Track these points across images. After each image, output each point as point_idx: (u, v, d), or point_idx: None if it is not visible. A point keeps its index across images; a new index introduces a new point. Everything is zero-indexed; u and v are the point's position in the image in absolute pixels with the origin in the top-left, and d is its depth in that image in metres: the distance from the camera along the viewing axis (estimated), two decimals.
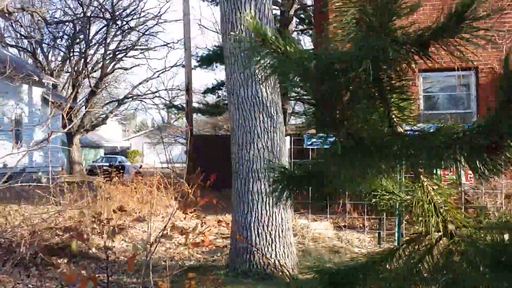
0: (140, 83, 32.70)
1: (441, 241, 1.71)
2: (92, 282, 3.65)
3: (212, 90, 22.48)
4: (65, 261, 6.79)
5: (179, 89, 34.68)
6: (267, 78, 1.91)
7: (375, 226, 9.44)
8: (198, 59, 20.77)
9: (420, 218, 1.81)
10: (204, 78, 72.07)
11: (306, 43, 25.96)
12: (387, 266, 1.92)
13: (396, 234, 7.49)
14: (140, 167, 30.17)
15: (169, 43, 37.93)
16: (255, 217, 6.02)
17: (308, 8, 21.88)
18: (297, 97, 1.65)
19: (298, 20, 24.23)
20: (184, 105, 25.53)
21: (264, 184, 6.04)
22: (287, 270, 6.01)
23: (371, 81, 1.63)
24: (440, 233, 1.69)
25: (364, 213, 9.07)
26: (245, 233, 6.05)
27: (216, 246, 8.38)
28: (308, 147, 8.21)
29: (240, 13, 6.19)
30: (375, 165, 1.57)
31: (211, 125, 39.51)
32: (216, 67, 21.28)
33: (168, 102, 36.55)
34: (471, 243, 1.60)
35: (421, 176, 1.69)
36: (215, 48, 21.00)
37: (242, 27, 6.20)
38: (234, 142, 6.27)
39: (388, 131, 1.64)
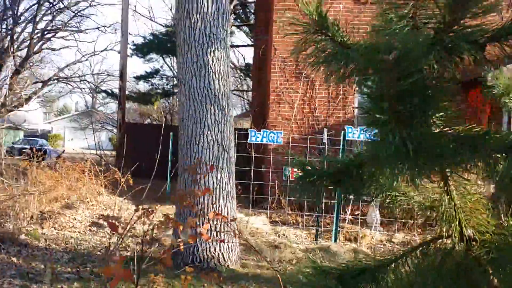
0: (68, 65, 31.35)
1: (457, 247, 1.76)
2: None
3: (145, 77, 21.98)
4: None
5: (108, 74, 33.57)
6: (317, 66, 1.87)
7: (308, 222, 9.65)
8: (133, 46, 20.21)
9: (438, 221, 1.85)
10: (135, 65, 70.28)
11: (242, 38, 26.00)
12: (400, 269, 1.94)
13: (333, 232, 7.69)
14: (63, 152, 28.98)
15: (100, 27, 36.58)
16: (201, 210, 5.96)
17: (248, 4, 21.92)
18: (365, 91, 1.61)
19: (234, 16, 24.24)
20: (114, 91, 24.78)
21: (212, 177, 5.99)
22: (231, 264, 6.01)
23: (444, 78, 1.61)
24: (456, 238, 1.73)
25: (304, 209, 9.24)
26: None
27: (152, 237, 8.21)
28: (252, 141, 8.24)
29: (197, 1, 6.09)
30: (434, 166, 1.58)
31: (139, 113, 38.67)
32: (151, 58, 20.85)
33: (95, 86, 35.32)
34: (489, 248, 1.66)
35: (448, 178, 1.72)
36: (151, 38, 20.54)
37: (198, 15, 6.10)
38: (183, 133, 6.17)
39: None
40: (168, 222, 4.45)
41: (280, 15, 12.05)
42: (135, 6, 74.51)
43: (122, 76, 16.10)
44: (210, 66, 6.07)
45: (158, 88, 22.64)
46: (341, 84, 1.96)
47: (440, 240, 1.87)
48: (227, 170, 6.11)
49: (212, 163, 5.99)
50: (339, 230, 7.72)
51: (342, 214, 8.74)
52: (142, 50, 19.50)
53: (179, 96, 6.30)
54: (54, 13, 29.48)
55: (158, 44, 19.45)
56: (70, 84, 35.50)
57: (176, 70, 6.48)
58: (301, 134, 11.75)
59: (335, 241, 7.64)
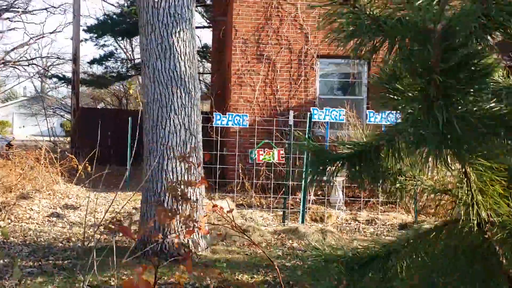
0: (15, 48, 30.00)
1: (474, 230, 1.69)
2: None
3: (99, 61, 21.28)
4: None
5: (59, 57, 32.38)
6: (346, 40, 1.73)
7: (272, 204, 9.62)
8: (86, 28, 19.47)
9: (454, 204, 1.77)
10: (87, 48, 68.06)
11: (198, 19, 25.55)
12: (411, 255, 1.86)
13: (301, 213, 7.68)
14: (13, 139, 27.89)
15: (49, 8, 35.14)
16: (168, 197, 5.78)
17: None
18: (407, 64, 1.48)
19: None
20: (66, 75, 23.93)
21: (180, 163, 5.81)
22: (201, 251, 5.88)
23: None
24: (474, 221, 1.67)
25: (267, 191, 9.18)
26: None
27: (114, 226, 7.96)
28: (217, 125, 8.08)
29: None
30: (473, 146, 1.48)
31: (92, 97, 37.61)
32: (105, 42, 20.18)
33: (45, 71, 34.07)
34: (509, 231, 1.60)
35: (466, 162, 1.64)
36: (104, 18, 19.84)
37: None
38: (148, 117, 5.94)
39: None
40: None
41: None
42: None
43: (76, 59, 15.51)
44: (176, 48, 5.86)
45: (113, 72, 21.99)
46: (366, 59, 1.84)
47: (454, 225, 1.80)
48: (195, 155, 5.94)
49: (180, 148, 5.81)
50: (305, 211, 7.71)
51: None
52: (96, 31, 18.81)
53: (143, 79, 6.06)
54: None
55: (112, 26, 18.81)
56: (17, 68, 34.05)
57: (140, 53, 6.22)
58: (263, 116, 11.66)
59: (302, 222, 7.63)
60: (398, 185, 2.02)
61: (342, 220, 8.40)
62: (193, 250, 5.81)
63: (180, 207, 5.83)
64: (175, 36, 5.85)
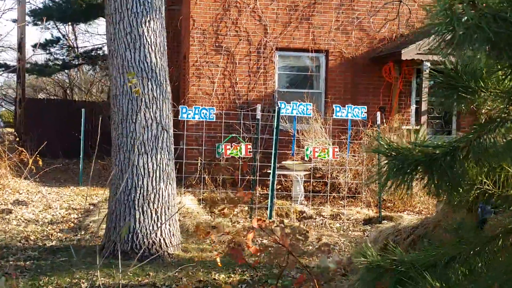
0: None
1: None
2: None
3: (44, 46, 20.32)
4: None
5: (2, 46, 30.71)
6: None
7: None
8: (28, 12, 18.49)
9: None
10: (30, 34, 64.79)
11: None
12: (472, 263, 1.78)
13: (269, 209, 7.59)
14: None
15: None
16: (140, 194, 5.54)
17: None
18: None
19: None
20: (6, 63, 22.71)
21: (151, 158, 5.57)
22: (173, 249, 5.68)
23: None
24: None
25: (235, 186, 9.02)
26: (128, 211, 5.54)
27: (73, 223, 7.60)
28: (183, 118, 7.84)
29: None
30: None
31: (31, 87, 36.01)
32: (51, 26, 19.26)
33: None
34: None
35: None
36: (50, 1, 18.92)
37: None
38: (117, 110, 5.65)
39: None
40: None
41: None
42: None
43: (21, 47, 14.70)
44: (146, 38, 5.59)
45: (57, 60, 21.07)
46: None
47: None
48: (167, 150, 5.72)
49: (151, 143, 5.57)
50: (273, 207, 7.64)
51: (256, 190, 8.67)
52: (40, 16, 17.89)
53: (111, 70, 5.75)
54: None
55: (57, 11, 17.97)
56: None
57: (106, 42, 5.91)
58: (223, 109, 11.46)
59: (270, 218, 7.55)
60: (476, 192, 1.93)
61: (306, 215, 8.38)
62: (164, 249, 5.60)
63: (149, 204, 5.61)
64: (145, 25, 5.59)
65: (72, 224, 7.46)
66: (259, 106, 7.83)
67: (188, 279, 5.00)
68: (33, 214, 8.09)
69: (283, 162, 9.90)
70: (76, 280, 4.89)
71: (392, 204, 9.63)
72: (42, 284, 4.80)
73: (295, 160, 10.24)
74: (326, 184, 9.99)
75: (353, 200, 9.80)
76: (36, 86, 34.19)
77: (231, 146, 7.61)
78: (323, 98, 12.17)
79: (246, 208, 8.33)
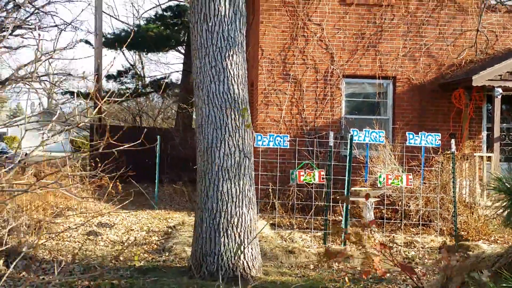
0: (27, 64, 30.14)
1: None
2: None
3: (115, 78, 21.45)
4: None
5: (70, 74, 32.52)
6: None
7: (302, 224, 9.65)
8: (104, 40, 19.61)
9: None
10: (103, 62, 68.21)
11: None
12: None
13: (343, 236, 7.68)
14: (26, 155, 27.96)
15: (60, 25, 35.37)
16: (224, 218, 5.82)
17: None
18: None
19: None
20: (79, 90, 24.06)
21: (234, 184, 5.86)
22: (255, 272, 5.90)
23: None
24: None
25: (308, 212, 9.18)
26: (213, 234, 5.83)
27: (156, 245, 7.98)
28: (258, 145, 8.12)
29: (214, 4, 5.94)
30: None
31: (108, 114, 37.74)
32: (122, 51, 20.36)
33: (55, 86, 34.26)
34: None
35: None
36: (122, 32, 20.05)
37: (215, 18, 5.95)
38: (202, 139, 6.00)
39: None
40: None
41: (267, 15, 11.99)
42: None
43: (98, 76, 15.63)
44: (229, 70, 5.94)
45: (128, 88, 22.13)
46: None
47: None
48: (249, 177, 6.00)
49: (234, 169, 5.87)
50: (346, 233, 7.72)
51: (329, 216, 8.77)
52: (113, 45, 18.98)
53: (196, 101, 6.13)
54: (10, 10, 28.29)
55: (127, 39, 19.04)
56: (28, 84, 34.20)
57: (192, 75, 6.31)
58: (290, 136, 11.70)
59: (344, 244, 7.64)
60: None
61: (378, 242, 8.38)
62: (247, 271, 5.83)
63: (233, 228, 5.87)
64: (228, 59, 5.94)
65: (155, 246, 7.84)
66: (331, 134, 8.02)
67: None
68: (116, 236, 8.56)
69: (352, 188, 9.98)
70: None
71: (466, 233, 9.47)
72: None
73: (364, 187, 10.29)
74: (396, 211, 9.97)
75: (424, 228, 9.71)
76: (108, 113, 35.81)
77: (305, 173, 7.81)
78: (390, 125, 12.19)
79: (319, 234, 8.45)
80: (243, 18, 6.16)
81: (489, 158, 10.92)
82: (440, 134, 8.83)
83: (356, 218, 10.30)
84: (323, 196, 9.32)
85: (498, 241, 9.07)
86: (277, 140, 7.87)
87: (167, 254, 7.17)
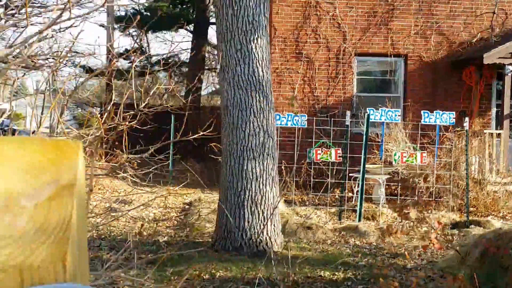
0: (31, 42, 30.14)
1: None
2: None
3: (125, 56, 21.50)
4: None
5: (80, 53, 32.53)
6: None
7: (314, 201, 9.91)
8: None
9: None
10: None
11: None
12: None
13: (358, 211, 7.96)
14: (33, 132, 28.22)
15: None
16: (248, 195, 6.08)
17: None
18: None
19: None
20: (90, 67, 24.17)
21: (259, 163, 6.10)
22: (277, 247, 6.18)
23: None
24: None
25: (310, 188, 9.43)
26: (238, 211, 6.10)
27: (176, 221, 8.28)
28: (277, 125, 8.33)
29: None
30: None
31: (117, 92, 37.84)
32: (133, 32, 20.44)
33: (61, 63, 34.36)
34: None
35: None
36: (131, 11, 20.12)
37: (241, 3, 6.10)
38: (227, 120, 6.22)
39: None
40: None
41: None
42: None
43: (110, 55, 15.75)
44: (254, 53, 6.13)
45: (137, 66, 22.23)
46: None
47: None
48: (272, 156, 6.24)
49: (259, 149, 6.10)
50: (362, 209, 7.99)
51: (345, 193, 9.02)
52: (122, 22, 19.07)
53: (222, 83, 6.33)
54: None
55: (140, 20, 19.10)
56: (33, 61, 34.25)
57: (217, 58, 6.49)
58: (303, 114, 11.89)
59: (359, 220, 7.91)
60: None
61: (392, 218, 8.67)
62: (270, 246, 6.11)
63: (257, 205, 6.13)
64: (253, 42, 6.12)
65: (175, 222, 8.14)
66: (348, 113, 8.21)
67: (296, 275, 5.47)
68: (136, 212, 8.85)
69: (366, 165, 10.21)
70: (197, 272, 5.48)
71: (475, 209, 9.72)
72: (169, 275, 5.42)
73: (375, 164, 10.53)
74: (407, 188, 10.22)
75: (435, 204, 9.96)
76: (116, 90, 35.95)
77: (322, 151, 8.04)
78: (401, 102, 12.35)
79: (333, 210, 8.73)
80: (267, 2, 6.31)
81: (498, 135, 11.12)
82: (454, 112, 9.01)
83: (367, 195, 10.57)
84: (334, 173, 9.56)
85: (507, 217, 9.33)
86: (295, 119, 8.08)
87: (188, 230, 7.46)
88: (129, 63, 22.88)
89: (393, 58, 12.22)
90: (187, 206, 9.43)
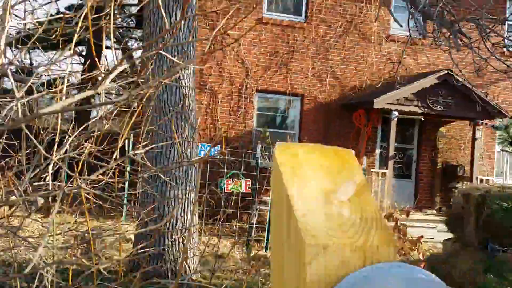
0: None
1: None
2: None
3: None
4: None
5: None
6: None
7: (213, 231, 10.01)
8: None
9: None
10: None
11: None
12: None
13: (266, 241, 8.21)
14: None
15: None
16: (169, 223, 6.05)
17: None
18: None
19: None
20: None
21: (181, 190, 6.13)
22: (194, 275, 6.19)
23: None
24: None
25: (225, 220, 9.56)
26: (158, 238, 6.03)
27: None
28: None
29: (170, 19, 6.20)
30: None
31: None
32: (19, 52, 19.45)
33: None
34: None
35: None
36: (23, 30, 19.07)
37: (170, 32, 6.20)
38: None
39: None
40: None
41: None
42: None
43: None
44: (181, 82, 6.22)
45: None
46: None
47: None
48: (194, 184, 6.30)
49: (182, 177, 6.14)
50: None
51: (240, 223, 9.28)
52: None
53: (147, 109, 6.31)
54: None
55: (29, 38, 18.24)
56: None
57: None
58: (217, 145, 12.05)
59: (266, 250, 8.16)
60: None
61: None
62: (188, 274, 6.10)
63: (177, 232, 6.12)
64: (181, 71, 6.21)
65: (78, 250, 7.75)
66: (258, 146, 8.53)
67: None
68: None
69: (263, 197, 10.58)
70: None
71: None
72: None
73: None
74: None
75: None
76: None
77: (232, 182, 8.24)
78: (297, 139, 13.03)
79: (238, 240, 8.90)
80: (196, 33, 6.47)
81: (383, 174, 12.15)
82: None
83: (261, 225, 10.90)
84: (232, 203, 9.79)
85: None
86: (209, 149, 8.22)
87: (97, 258, 7.17)
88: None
89: (291, 96, 12.93)
90: (86, 234, 9.02)
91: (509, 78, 9.98)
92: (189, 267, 6.15)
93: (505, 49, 12.21)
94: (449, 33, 6.17)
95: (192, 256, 6.24)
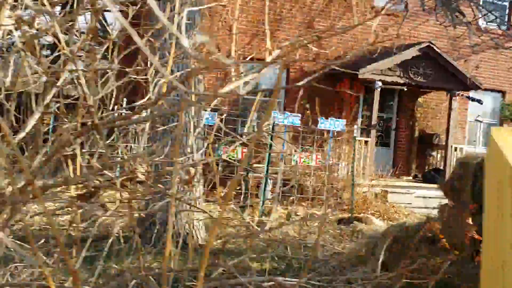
0: None
1: None
2: None
3: None
4: None
5: None
6: None
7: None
8: None
9: None
10: None
11: None
12: None
13: (260, 208, 8.54)
14: None
15: None
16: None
17: None
18: None
19: None
20: None
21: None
22: (201, 241, 6.47)
23: None
24: None
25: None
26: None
27: None
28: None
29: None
30: None
31: None
32: None
33: None
34: None
35: None
36: None
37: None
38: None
39: None
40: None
41: None
42: None
43: None
44: None
45: None
46: None
47: None
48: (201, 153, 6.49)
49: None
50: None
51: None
52: None
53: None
54: None
55: None
56: None
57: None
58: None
59: (260, 216, 8.49)
60: None
61: (283, 214, 9.41)
62: (195, 240, 6.38)
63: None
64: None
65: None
66: (255, 114, 8.73)
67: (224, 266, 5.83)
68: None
69: (254, 165, 10.86)
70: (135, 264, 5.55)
71: (348, 208, 10.91)
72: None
73: (262, 164, 11.24)
74: (292, 186, 11.09)
75: (312, 202, 10.95)
76: None
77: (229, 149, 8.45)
78: (282, 107, 13.29)
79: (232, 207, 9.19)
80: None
81: (366, 143, 12.56)
82: (345, 120, 10.04)
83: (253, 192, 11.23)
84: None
85: (375, 215, 10.65)
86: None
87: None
88: None
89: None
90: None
91: (504, 49, 10.39)
92: (195, 232, 6.41)
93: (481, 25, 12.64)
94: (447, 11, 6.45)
95: (198, 223, 6.49)
